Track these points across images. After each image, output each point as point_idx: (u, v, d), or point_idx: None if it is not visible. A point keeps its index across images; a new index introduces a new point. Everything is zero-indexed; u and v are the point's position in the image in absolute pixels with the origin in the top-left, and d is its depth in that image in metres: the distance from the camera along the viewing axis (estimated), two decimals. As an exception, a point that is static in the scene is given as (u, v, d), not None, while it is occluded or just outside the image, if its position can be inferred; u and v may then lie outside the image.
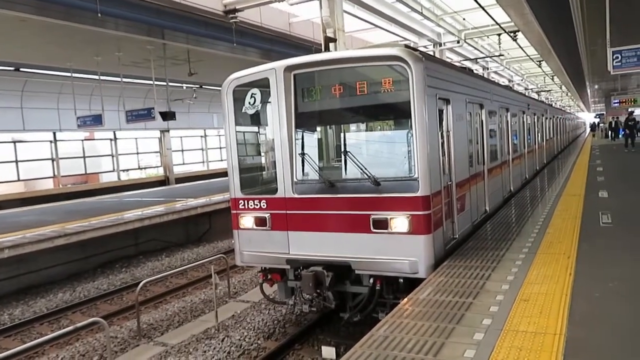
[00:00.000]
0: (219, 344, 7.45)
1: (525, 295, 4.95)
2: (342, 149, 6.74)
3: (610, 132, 37.31)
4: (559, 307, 4.56)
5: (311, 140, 7.18)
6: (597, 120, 56.67)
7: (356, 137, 7.18)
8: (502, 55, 24.81)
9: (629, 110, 34.02)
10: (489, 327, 4.25)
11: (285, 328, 7.87)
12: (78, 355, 7.80)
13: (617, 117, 38.99)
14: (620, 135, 36.85)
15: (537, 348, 3.80)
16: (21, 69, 20.79)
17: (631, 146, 25.61)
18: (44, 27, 13.62)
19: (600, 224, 8.01)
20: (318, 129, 7.36)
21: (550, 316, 4.38)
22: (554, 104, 41.06)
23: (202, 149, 34.42)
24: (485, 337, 4.05)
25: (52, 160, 24.14)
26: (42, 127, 23.10)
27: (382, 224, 6.12)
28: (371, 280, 6.36)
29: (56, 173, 24.24)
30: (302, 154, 6.79)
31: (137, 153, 29.47)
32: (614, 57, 10.83)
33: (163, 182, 29.32)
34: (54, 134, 23.96)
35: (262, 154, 7.74)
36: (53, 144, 24.11)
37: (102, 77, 20.55)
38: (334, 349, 6.73)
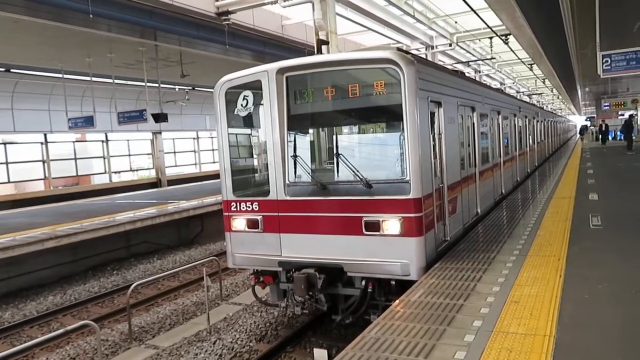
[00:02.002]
0: (210, 346, 7.43)
1: (515, 297, 4.98)
2: (334, 152, 6.76)
3: (600, 136, 36.80)
4: (549, 309, 4.59)
5: (303, 142, 7.18)
6: (587, 124, 56.86)
7: (348, 139, 7.20)
8: (494, 58, 24.97)
9: (629, 114, 34.26)
10: (479, 328, 4.28)
11: (277, 330, 7.87)
12: (68, 358, 7.74)
13: (604, 120, 38.98)
14: (610, 138, 37.09)
15: (526, 349, 3.82)
16: (12, 70, 20.64)
17: (630, 149, 25.61)
18: (36, 28, 13.55)
19: (590, 226, 8.07)
20: (310, 131, 7.37)
21: (540, 318, 4.41)
22: (545, 107, 41.35)
23: (194, 151, 34.33)
24: (476, 339, 4.08)
25: (43, 162, 23.97)
26: (33, 129, 22.95)
27: (374, 226, 6.13)
28: (363, 283, 6.37)
29: (47, 175, 24.08)
30: (295, 156, 6.80)
31: (129, 155, 29.33)
32: (604, 61, 10.95)
33: (155, 184, 29.20)
34: (45, 135, 23.79)
35: (255, 156, 7.75)
36: (44, 146, 23.94)
37: (93, 79, 20.45)
38: (325, 351, 6.72)
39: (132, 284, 8.62)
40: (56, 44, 15.90)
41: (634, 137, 27.83)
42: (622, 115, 38.36)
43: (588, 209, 9.47)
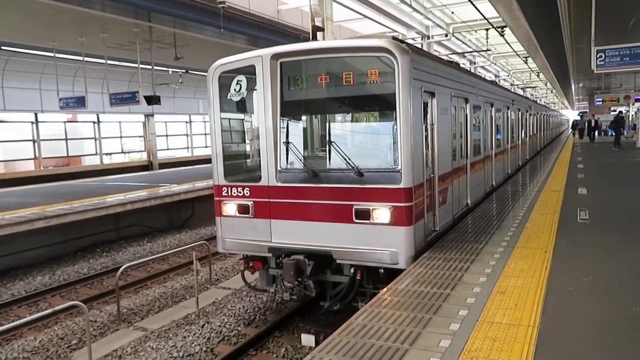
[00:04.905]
0: (199, 329, 7.48)
1: (501, 287, 5.05)
2: (327, 139, 6.76)
3: (590, 132, 34.30)
4: (534, 300, 4.66)
5: (296, 129, 7.18)
6: (578, 119, 56.57)
7: (341, 127, 7.21)
8: (489, 50, 24.96)
9: (618, 110, 34.11)
10: (465, 318, 4.34)
11: (265, 315, 7.93)
12: (56, 338, 7.76)
13: (593, 115, 38.49)
14: (601, 134, 36.96)
15: (510, 339, 3.89)
16: (3, 47, 20.34)
17: (618, 145, 25.58)
18: (28, 6, 13.34)
19: (578, 220, 8.17)
20: (303, 118, 7.36)
21: (524, 309, 4.48)
22: (538, 101, 41.47)
23: (186, 135, 34.15)
24: (461, 328, 4.14)
25: (34, 141, 23.73)
26: (23, 108, 22.67)
27: (364, 215, 6.17)
28: (352, 270, 6.43)
29: (37, 155, 23.86)
30: (287, 143, 6.80)
31: (121, 137, 29.11)
32: (598, 56, 11.00)
33: (146, 167, 29.06)
34: (36, 114, 23.52)
35: (247, 141, 7.73)
36: (34, 125, 23.69)
37: (86, 59, 20.21)
38: (313, 336, 6.81)
39: (121, 266, 8.64)
40: (49, 23, 15.67)
41: (625, 134, 27.86)
42: (614, 111, 38.34)
43: (576, 203, 9.57)
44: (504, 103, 13.34)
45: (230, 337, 7.23)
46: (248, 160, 7.61)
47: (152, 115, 29.48)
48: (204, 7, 14.35)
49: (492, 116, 11.52)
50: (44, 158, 24.19)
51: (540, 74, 35.64)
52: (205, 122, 33.91)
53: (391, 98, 6.04)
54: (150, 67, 19.85)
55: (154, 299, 9.36)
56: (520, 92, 34.73)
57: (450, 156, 7.97)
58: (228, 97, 7.13)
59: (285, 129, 6.85)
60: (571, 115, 78.62)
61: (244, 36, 17.48)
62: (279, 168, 6.74)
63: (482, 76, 20.66)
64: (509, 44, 21.13)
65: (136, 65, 19.29)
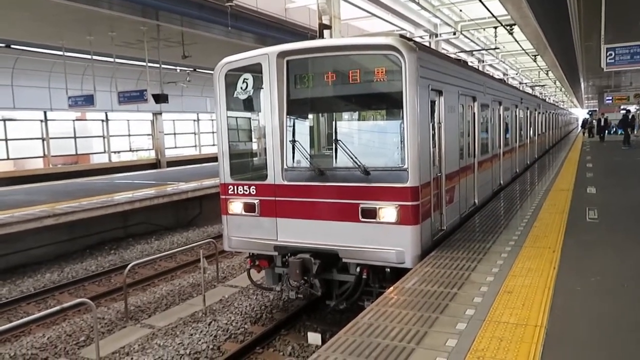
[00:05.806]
0: (206, 327, 7.51)
1: (509, 287, 5.02)
2: (333, 138, 6.75)
3: (600, 131, 33.49)
4: (541, 300, 4.63)
5: (302, 127, 7.17)
6: (587, 117, 56.04)
7: (347, 125, 7.19)
8: (498, 48, 24.79)
9: (627, 108, 33.73)
10: (471, 317, 4.31)
11: (272, 314, 7.94)
12: (64, 335, 7.81)
13: (602, 114, 37.85)
14: (611, 133, 36.61)
15: (517, 339, 3.86)
16: (12, 46, 20.48)
17: (627, 144, 25.35)
18: (37, 4, 13.41)
19: (586, 219, 8.10)
20: (310, 116, 7.35)
21: (532, 308, 4.44)
22: (547, 99, 41.17)
23: (194, 133, 34.25)
24: (468, 327, 4.11)
25: (43, 139, 23.91)
26: (32, 106, 22.85)
27: (370, 214, 6.15)
28: (358, 269, 6.41)
29: (46, 153, 24.04)
30: (293, 141, 6.79)
31: (129, 135, 29.27)
32: (608, 54, 10.88)
33: (154, 165, 29.19)
34: (45, 113, 23.71)
35: (253, 139, 7.74)
36: (44, 123, 23.87)
37: (94, 57, 20.31)
38: (319, 335, 6.81)
39: (129, 264, 8.67)
40: (55, 21, 15.73)
41: (636, 132, 27.57)
42: (624, 109, 37.94)
43: (585, 202, 9.49)
44: (512, 101, 13.25)
45: (237, 335, 7.25)
46: (254, 159, 7.61)
47: (160, 114, 29.61)
48: (212, 6, 14.36)
49: (500, 114, 11.45)
50: (53, 156, 24.38)
51: (549, 72, 35.34)
52: (212, 120, 34.01)
53: (398, 96, 6.01)
54: (158, 65, 19.91)
55: (161, 296, 9.40)
56: (529, 90, 34.48)
57: (458, 155, 7.92)
58: (234, 96, 7.14)
59: (292, 128, 6.84)
60: (580, 113, 78.01)
61: (251, 34, 17.47)
62: (285, 166, 6.73)
63: (491, 74, 20.54)
64: (517, 42, 20.96)
65: (144, 63, 19.35)
